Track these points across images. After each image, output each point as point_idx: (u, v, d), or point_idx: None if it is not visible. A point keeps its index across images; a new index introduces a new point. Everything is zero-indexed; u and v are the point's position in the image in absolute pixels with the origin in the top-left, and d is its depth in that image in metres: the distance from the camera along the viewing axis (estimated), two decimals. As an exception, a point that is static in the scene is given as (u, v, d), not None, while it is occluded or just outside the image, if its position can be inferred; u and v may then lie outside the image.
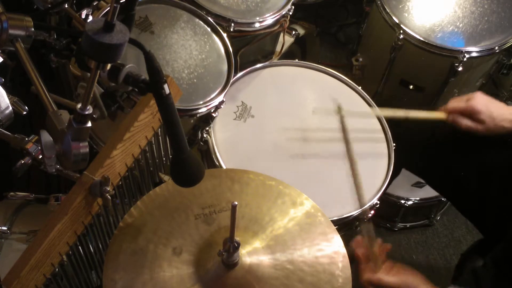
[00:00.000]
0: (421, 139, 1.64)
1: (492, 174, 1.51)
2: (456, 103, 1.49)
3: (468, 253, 1.64)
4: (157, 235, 1.05)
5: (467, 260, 1.58)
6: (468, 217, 1.70)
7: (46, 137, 0.86)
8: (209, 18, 1.51)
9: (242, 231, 1.06)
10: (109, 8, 0.82)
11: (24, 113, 1.07)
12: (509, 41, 1.82)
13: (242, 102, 1.59)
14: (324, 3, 2.48)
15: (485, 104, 1.44)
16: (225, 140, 1.51)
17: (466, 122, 1.45)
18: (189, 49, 1.44)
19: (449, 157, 1.59)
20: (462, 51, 1.77)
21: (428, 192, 2.11)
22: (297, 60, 1.76)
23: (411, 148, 1.61)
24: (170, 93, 0.84)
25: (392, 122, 1.61)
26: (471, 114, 1.44)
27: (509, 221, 1.42)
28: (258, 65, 1.68)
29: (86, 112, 0.84)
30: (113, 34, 0.77)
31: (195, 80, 1.40)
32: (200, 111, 1.36)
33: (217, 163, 1.45)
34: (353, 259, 1.21)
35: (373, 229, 1.30)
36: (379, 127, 1.62)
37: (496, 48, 1.80)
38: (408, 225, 2.26)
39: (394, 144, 1.57)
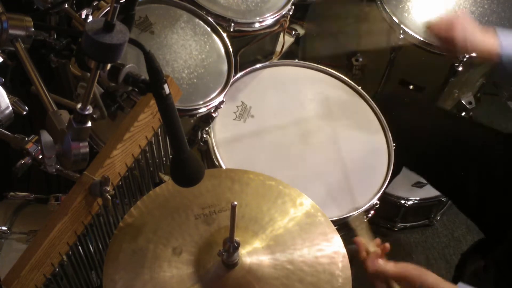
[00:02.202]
0: (422, 137, 1.64)
1: (492, 174, 1.51)
2: (438, 27, 1.53)
3: (468, 253, 1.64)
4: (157, 235, 1.05)
5: (467, 260, 1.58)
6: (468, 215, 1.70)
7: (46, 137, 0.86)
8: (209, 18, 1.51)
9: (242, 231, 1.06)
10: (109, 8, 0.82)
11: (24, 113, 1.07)
12: (509, 41, 1.82)
13: (242, 102, 1.59)
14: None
15: (465, 29, 1.46)
16: (225, 140, 1.51)
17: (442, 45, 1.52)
18: (189, 49, 1.44)
19: (450, 155, 1.59)
20: (462, 51, 1.77)
21: (428, 192, 2.11)
22: (297, 60, 1.76)
23: (412, 146, 1.61)
24: (170, 93, 0.84)
25: (392, 122, 1.61)
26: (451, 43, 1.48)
27: (510, 221, 1.42)
28: (258, 65, 1.68)
29: (86, 112, 0.84)
30: (113, 34, 0.77)
31: (195, 80, 1.40)
32: (200, 111, 1.36)
33: (217, 163, 1.45)
34: (353, 259, 1.20)
35: (368, 230, 1.28)
36: (379, 126, 1.62)
37: (496, 48, 1.80)
38: (408, 225, 2.26)
39: (394, 144, 1.57)
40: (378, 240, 1.22)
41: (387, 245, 1.20)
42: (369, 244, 1.21)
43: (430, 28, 1.56)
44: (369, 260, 1.17)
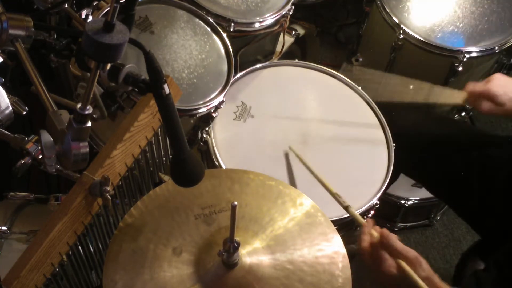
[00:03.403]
0: (421, 139, 1.64)
1: (493, 175, 1.51)
2: (474, 85, 1.47)
3: (468, 253, 1.64)
4: (157, 235, 1.05)
5: (467, 260, 1.58)
6: (466, 219, 1.69)
7: (46, 137, 0.86)
8: (209, 18, 1.51)
9: (242, 231, 1.06)
10: (109, 8, 0.82)
11: (24, 113, 1.07)
12: (509, 41, 1.82)
13: (242, 102, 1.59)
14: (324, 3, 2.48)
15: (503, 86, 1.42)
16: (225, 140, 1.51)
17: (485, 105, 1.44)
18: (189, 49, 1.44)
19: (449, 158, 1.59)
20: (462, 51, 1.77)
21: (428, 192, 2.11)
22: (297, 60, 1.76)
23: (408, 152, 1.61)
24: (170, 93, 0.84)
25: (391, 124, 1.61)
26: (489, 97, 1.43)
27: (510, 223, 1.42)
28: (258, 65, 1.68)
29: (86, 112, 0.84)
30: (113, 34, 0.77)
31: (195, 80, 1.40)
32: (200, 111, 1.36)
33: (217, 163, 1.45)
34: (353, 256, 1.19)
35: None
36: (379, 126, 1.62)
37: (496, 48, 1.80)
38: (408, 225, 2.26)
39: (394, 144, 1.57)
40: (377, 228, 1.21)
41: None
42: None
43: (466, 90, 1.47)
44: (384, 232, 1.14)
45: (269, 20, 1.58)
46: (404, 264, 1.11)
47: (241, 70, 1.64)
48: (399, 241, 1.13)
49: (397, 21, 1.82)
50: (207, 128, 1.48)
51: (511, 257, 1.30)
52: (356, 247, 1.37)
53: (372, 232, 1.17)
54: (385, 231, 1.15)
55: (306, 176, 1.47)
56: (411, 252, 1.12)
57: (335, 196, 1.24)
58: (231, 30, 1.52)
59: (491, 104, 1.43)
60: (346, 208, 1.24)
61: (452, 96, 1.50)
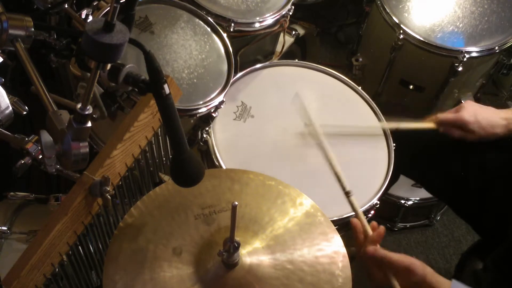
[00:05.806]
0: (418, 142, 1.64)
1: (493, 175, 1.51)
2: (445, 114, 1.51)
3: (468, 253, 1.64)
4: (157, 235, 1.05)
5: (467, 260, 1.58)
6: (466, 219, 1.69)
7: (46, 137, 0.86)
8: (209, 18, 1.51)
9: (242, 231, 1.06)
10: (109, 8, 0.82)
11: (24, 113, 1.08)
12: (509, 41, 1.82)
13: (242, 102, 1.59)
14: (324, 3, 2.48)
15: (473, 114, 1.47)
16: (225, 140, 1.51)
17: (457, 133, 1.48)
18: (189, 49, 1.44)
19: (449, 158, 1.59)
20: (462, 51, 1.77)
21: (428, 192, 2.11)
22: (297, 60, 1.76)
23: (408, 152, 1.61)
24: (170, 93, 0.84)
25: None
26: (460, 125, 1.47)
27: (509, 222, 1.42)
28: (258, 65, 1.68)
29: (86, 112, 0.84)
30: (113, 34, 0.77)
31: (195, 80, 1.40)
32: (200, 111, 1.36)
33: (217, 163, 1.45)
34: (353, 258, 1.19)
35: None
36: (379, 126, 1.62)
37: (496, 48, 1.80)
38: (408, 225, 2.26)
39: (394, 144, 1.57)
40: (374, 223, 1.20)
41: (382, 228, 1.17)
42: (366, 227, 1.20)
43: (438, 119, 1.52)
44: (369, 245, 1.14)
45: (269, 20, 1.59)
46: (392, 280, 1.12)
47: (241, 70, 1.64)
48: (385, 252, 1.13)
49: (397, 21, 1.82)
50: (207, 128, 1.48)
51: (509, 256, 1.31)
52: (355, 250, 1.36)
53: (365, 229, 1.18)
54: (369, 249, 1.13)
55: (306, 176, 1.47)
56: (402, 263, 1.11)
57: (338, 175, 1.24)
58: (231, 30, 1.52)
59: (462, 132, 1.48)
60: (347, 193, 1.24)
61: (424, 124, 1.55)
